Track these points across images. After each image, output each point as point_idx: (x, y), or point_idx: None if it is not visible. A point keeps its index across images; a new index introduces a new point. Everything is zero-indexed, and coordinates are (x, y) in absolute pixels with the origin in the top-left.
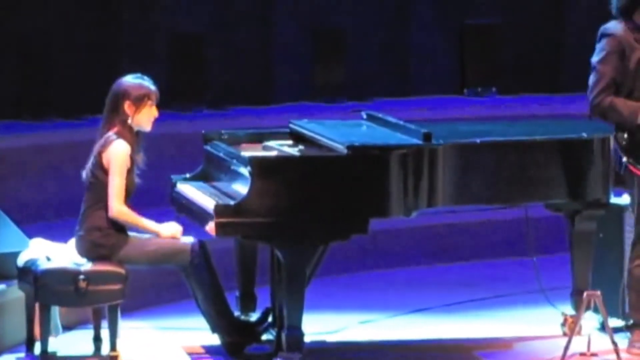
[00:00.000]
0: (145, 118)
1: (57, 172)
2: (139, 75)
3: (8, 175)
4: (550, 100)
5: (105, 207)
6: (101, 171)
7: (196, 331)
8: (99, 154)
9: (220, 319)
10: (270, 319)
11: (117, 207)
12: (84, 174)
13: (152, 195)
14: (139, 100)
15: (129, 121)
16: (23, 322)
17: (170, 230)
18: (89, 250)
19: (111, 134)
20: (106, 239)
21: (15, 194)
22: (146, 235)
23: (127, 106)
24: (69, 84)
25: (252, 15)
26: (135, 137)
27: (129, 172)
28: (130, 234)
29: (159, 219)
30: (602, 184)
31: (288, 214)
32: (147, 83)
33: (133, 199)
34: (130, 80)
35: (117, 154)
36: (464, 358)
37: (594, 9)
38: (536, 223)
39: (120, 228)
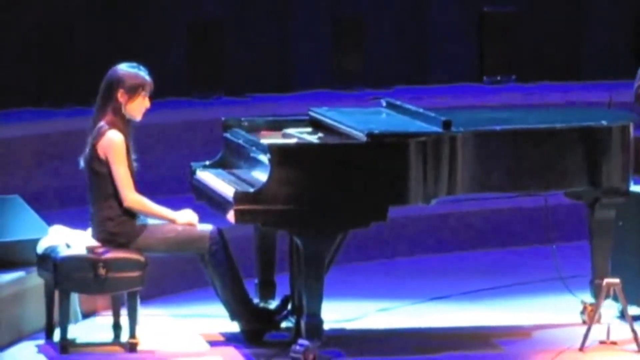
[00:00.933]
0: (137, 108)
1: (77, 159)
2: (134, 64)
3: (28, 162)
4: (570, 88)
5: (111, 197)
6: (99, 163)
7: (215, 318)
8: (94, 146)
9: (239, 307)
10: (289, 306)
11: (130, 196)
12: (81, 162)
13: (171, 183)
14: (133, 90)
15: (122, 110)
16: (42, 309)
17: (186, 218)
18: (106, 240)
19: (103, 124)
20: (121, 227)
21: (35, 182)
22: (165, 223)
23: (121, 94)
24: (89, 71)
25: (271, 2)
26: (127, 126)
27: (127, 158)
28: (150, 221)
29: (179, 206)
30: (622, 172)
31: (307, 202)
32: (143, 73)
33: (150, 187)
34: (125, 68)
35: (113, 144)
36: (482, 346)
37: None
38: (555, 211)
39: (132, 215)
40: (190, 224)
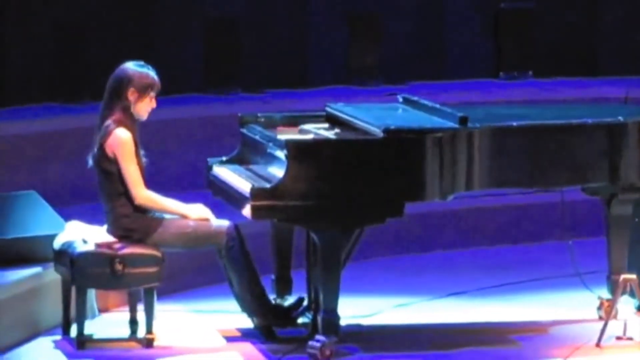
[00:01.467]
0: (144, 108)
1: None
2: (142, 63)
3: (44, 157)
4: (587, 84)
5: (124, 195)
6: (108, 162)
7: (232, 314)
8: (102, 145)
9: (254, 303)
10: (303, 306)
11: (141, 193)
12: (89, 160)
13: (187, 179)
14: (143, 90)
15: (131, 108)
16: (59, 304)
17: (198, 212)
18: (122, 237)
19: (110, 122)
20: (137, 223)
21: (52, 177)
22: (181, 218)
23: (131, 93)
24: (104, 67)
25: None
26: (134, 124)
27: (136, 155)
28: (166, 216)
29: (195, 202)
30: (639, 168)
31: (324, 197)
32: (152, 73)
33: (165, 182)
34: (135, 67)
35: (121, 142)
36: (499, 342)
37: None
38: (572, 206)
39: (146, 210)
40: (204, 219)
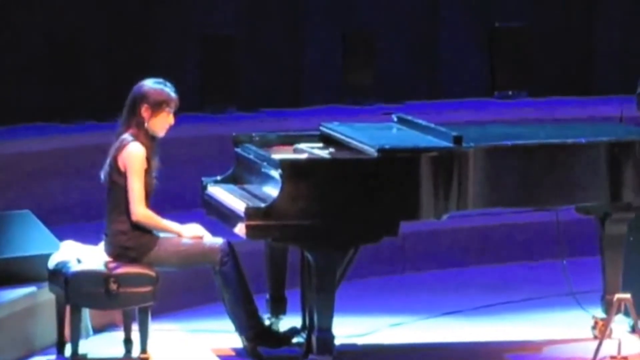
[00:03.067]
0: (159, 125)
1: (88, 174)
2: (161, 80)
3: (39, 177)
4: (582, 103)
5: (125, 211)
6: (118, 175)
7: (226, 334)
8: (115, 158)
9: (246, 321)
10: (295, 339)
11: (139, 211)
12: (102, 175)
13: (182, 198)
14: (157, 106)
15: (145, 125)
16: (54, 324)
17: (192, 232)
18: (118, 255)
19: (126, 135)
20: (133, 242)
21: (46, 196)
22: (175, 237)
23: (144, 110)
24: (99, 87)
25: (282, 17)
26: (150, 140)
27: (147, 173)
28: (161, 235)
29: (189, 221)
30: (634, 187)
31: (318, 217)
32: (168, 90)
33: (161, 201)
34: (151, 84)
35: (133, 156)
36: None
37: (625, 11)
38: (567, 226)
39: (145, 229)
40: (198, 237)
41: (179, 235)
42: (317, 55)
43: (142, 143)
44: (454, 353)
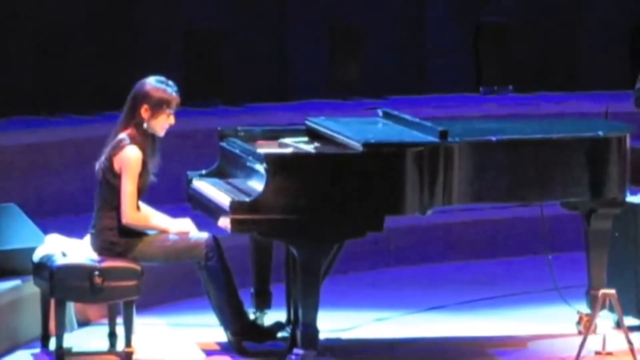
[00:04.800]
0: (160, 124)
1: (73, 168)
2: (163, 79)
3: (24, 170)
4: (567, 99)
5: (115, 208)
6: (112, 175)
7: (211, 328)
8: (110, 157)
9: (231, 315)
10: (279, 334)
11: (130, 214)
12: (97, 167)
13: (168, 192)
14: (157, 107)
15: (144, 125)
16: (38, 317)
17: (179, 227)
18: (104, 249)
19: (124, 136)
20: (119, 237)
21: (31, 190)
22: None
23: (144, 110)
24: (86, 81)
25: (268, 12)
26: (148, 140)
27: (141, 175)
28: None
29: (175, 215)
30: (619, 182)
31: (303, 211)
32: (170, 89)
33: (147, 196)
34: (153, 83)
35: (129, 160)
36: (478, 356)
37: (610, 8)
38: (552, 221)
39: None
40: (184, 233)
41: (165, 232)
42: (303, 49)
43: (139, 145)
44: (439, 348)
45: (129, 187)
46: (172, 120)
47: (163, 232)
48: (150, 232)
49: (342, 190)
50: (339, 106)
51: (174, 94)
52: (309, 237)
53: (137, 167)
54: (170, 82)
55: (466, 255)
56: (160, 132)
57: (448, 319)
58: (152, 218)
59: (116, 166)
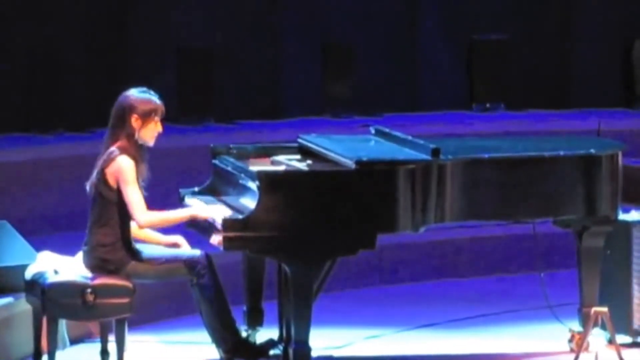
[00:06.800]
0: (150, 133)
1: (65, 185)
2: (145, 89)
3: (16, 188)
4: (559, 117)
5: (109, 224)
6: (106, 188)
7: (203, 345)
8: (103, 170)
9: (223, 332)
10: (272, 351)
11: (143, 218)
12: (88, 187)
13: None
14: (146, 116)
15: (135, 136)
16: (30, 335)
17: (203, 210)
18: (96, 267)
19: (114, 149)
20: (112, 254)
21: (24, 207)
22: (153, 249)
23: (134, 120)
24: (77, 97)
25: (261, 29)
26: (139, 151)
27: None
28: (145, 250)
29: (167, 232)
30: (611, 200)
31: (296, 229)
32: (154, 98)
33: None
34: (136, 94)
35: (124, 168)
36: None
37: (602, 26)
38: (544, 239)
39: (125, 242)
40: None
41: (195, 218)
42: (295, 67)
43: (131, 155)
44: None
45: (134, 194)
46: (160, 127)
47: (192, 218)
48: (142, 250)
49: (334, 208)
50: (332, 124)
51: (158, 101)
52: (301, 255)
53: (133, 173)
54: (151, 92)
55: (458, 272)
56: (151, 141)
57: (439, 336)
58: (166, 213)
59: (110, 179)
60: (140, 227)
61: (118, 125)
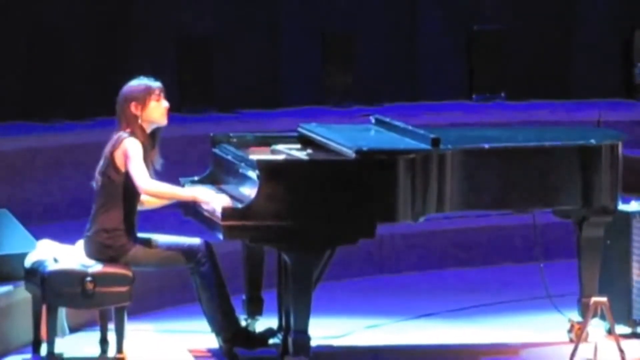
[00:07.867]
0: (155, 113)
1: (65, 174)
2: (137, 77)
3: (16, 176)
4: (559, 107)
5: (113, 208)
6: (114, 171)
7: (202, 334)
8: (111, 154)
9: (223, 321)
10: (271, 340)
11: (147, 184)
12: (94, 182)
13: None
14: (143, 99)
15: (139, 121)
16: (30, 323)
17: (206, 195)
18: (97, 252)
19: (122, 132)
20: (113, 240)
21: (23, 196)
22: (153, 237)
23: (134, 107)
24: (77, 86)
25: (261, 18)
26: (148, 138)
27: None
28: (139, 235)
29: (166, 222)
30: (611, 190)
31: (295, 218)
32: (146, 80)
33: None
34: (131, 82)
35: (130, 147)
36: None
37: (603, 15)
38: (544, 229)
39: (128, 230)
40: (204, 201)
41: (194, 200)
42: (295, 56)
43: (139, 140)
44: (430, 355)
45: (137, 164)
46: (163, 104)
47: (191, 199)
48: (140, 235)
49: (334, 197)
50: (332, 113)
51: (151, 82)
52: (301, 244)
53: (139, 151)
54: (143, 77)
55: (458, 262)
56: (161, 120)
57: (439, 326)
58: (169, 186)
59: (118, 162)
60: (142, 192)
61: (121, 118)
